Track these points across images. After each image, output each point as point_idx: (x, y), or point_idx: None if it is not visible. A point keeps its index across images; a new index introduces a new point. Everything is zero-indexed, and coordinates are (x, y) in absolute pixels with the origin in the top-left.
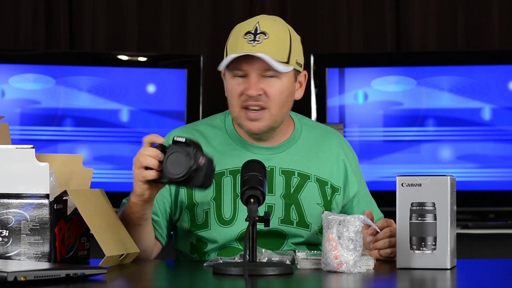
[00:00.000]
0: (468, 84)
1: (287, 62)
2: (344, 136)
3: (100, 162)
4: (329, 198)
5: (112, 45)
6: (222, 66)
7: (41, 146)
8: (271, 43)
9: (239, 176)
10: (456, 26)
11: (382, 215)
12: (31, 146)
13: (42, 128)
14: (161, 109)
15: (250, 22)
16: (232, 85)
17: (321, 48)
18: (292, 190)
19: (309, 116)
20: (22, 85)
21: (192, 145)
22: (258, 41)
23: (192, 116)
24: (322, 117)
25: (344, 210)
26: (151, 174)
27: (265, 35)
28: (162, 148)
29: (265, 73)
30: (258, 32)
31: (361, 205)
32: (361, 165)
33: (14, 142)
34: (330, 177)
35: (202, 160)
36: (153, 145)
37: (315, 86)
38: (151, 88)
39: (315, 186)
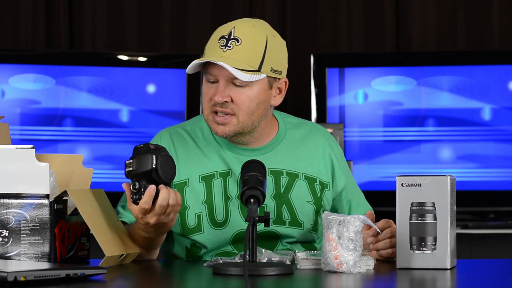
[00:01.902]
0: (468, 84)
1: (258, 70)
2: (344, 136)
3: (100, 162)
4: (319, 195)
5: (112, 45)
6: (188, 69)
7: (41, 146)
8: (241, 50)
9: (229, 179)
10: (456, 26)
11: (370, 207)
12: (31, 146)
13: (42, 128)
14: (161, 109)
15: (227, 26)
16: (205, 89)
17: (321, 48)
18: (282, 189)
19: (309, 116)
20: (22, 85)
21: (164, 149)
22: (229, 47)
23: (192, 116)
24: (322, 117)
25: (333, 205)
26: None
27: (238, 42)
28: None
29: (234, 80)
30: (232, 37)
31: (349, 198)
32: (361, 165)
33: (14, 142)
34: (318, 174)
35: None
36: (133, 184)
37: (315, 86)
38: (151, 88)
39: (304, 184)
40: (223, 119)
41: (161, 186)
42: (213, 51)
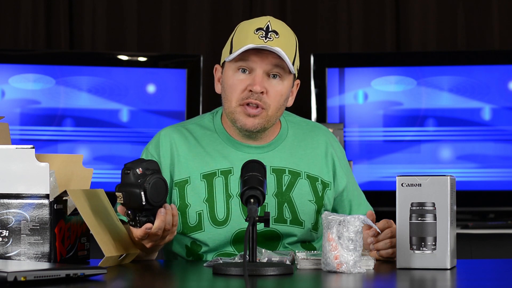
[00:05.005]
0: (468, 84)
1: (292, 65)
2: (344, 136)
3: (100, 162)
4: (320, 194)
5: (112, 45)
6: (233, 56)
7: (41, 146)
8: (281, 43)
9: (231, 177)
10: (456, 26)
11: (371, 207)
12: (31, 146)
13: (42, 128)
14: (161, 109)
15: (260, 20)
16: (234, 80)
17: (321, 48)
18: (284, 188)
19: (309, 116)
20: (22, 85)
21: (159, 171)
22: (269, 38)
23: (192, 116)
24: (322, 117)
25: (334, 205)
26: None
27: (276, 35)
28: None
29: (271, 71)
30: (270, 30)
31: (350, 198)
32: (361, 165)
33: (14, 142)
34: (320, 173)
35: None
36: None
37: (315, 86)
38: (151, 88)
39: (306, 183)
40: (256, 111)
41: (158, 215)
42: (253, 40)
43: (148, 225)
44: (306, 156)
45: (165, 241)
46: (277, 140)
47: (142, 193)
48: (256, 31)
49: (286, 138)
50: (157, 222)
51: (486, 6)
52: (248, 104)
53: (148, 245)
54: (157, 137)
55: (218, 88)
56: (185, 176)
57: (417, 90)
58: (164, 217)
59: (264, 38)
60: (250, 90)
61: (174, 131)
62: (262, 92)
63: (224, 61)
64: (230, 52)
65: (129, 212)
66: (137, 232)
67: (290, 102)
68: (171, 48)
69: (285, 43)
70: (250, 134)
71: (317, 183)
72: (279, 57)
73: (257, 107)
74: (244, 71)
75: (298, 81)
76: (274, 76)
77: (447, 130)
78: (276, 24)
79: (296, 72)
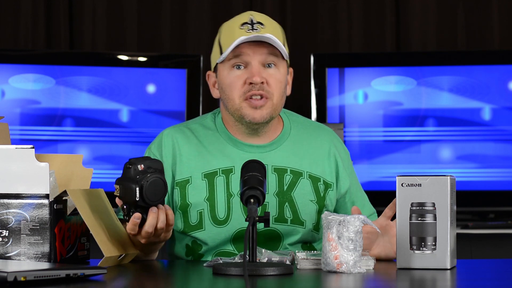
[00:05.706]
0: (468, 84)
1: None
2: (344, 136)
3: (100, 162)
4: (322, 195)
5: (112, 45)
6: (226, 53)
7: (41, 146)
8: (270, 31)
9: (232, 176)
10: (456, 26)
11: (374, 210)
12: (31, 146)
13: (42, 128)
14: (161, 109)
15: (242, 16)
16: (231, 78)
17: (321, 48)
18: (285, 187)
19: (309, 116)
20: (22, 85)
21: (162, 171)
22: (256, 30)
23: (192, 116)
24: (322, 117)
25: (337, 206)
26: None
27: (262, 25)
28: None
29: (265, 61)
30: (255, 22)
31: (353, 200)
32: (361, 165)
33: (14, 142)
34: (323, 173)
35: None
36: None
37: (315, 86)
38: (151, 88)
39: (308, 183)
40: (261, 102)
41: (150, 212)
42: (241, 35)
43: (137, 214)
44: (308, 156)
45: (161, 240)
46: (279, 139)
47: (137, 189)
48: (242, 26)
49: (288, 137)
50: (149, 219)
51: (486, 6)
52: (251, 97)
53: (142, 240)
54: (159, 137)
55: (215, 93)
56: (186, 175)
57: (417, 90)
58: (156, 214)
59: (251, 30)
60: (251, 83)
61: (177, 131)
62: (262, 82)
63: (216, 65)
64: (221, 54)
65: (125, 206)
66: (128, 225)
67: (288, 91)
68: (171, 48)
69: (272, 30)
70: (258, 127)
71: (319, 183)
72: (271, 45)
73: (261, 97)
74: (239, 67)
75: (291, 69)
76: (269, 65)
77: (447, 130)
78: (259, 16)
79: (287, 59)
